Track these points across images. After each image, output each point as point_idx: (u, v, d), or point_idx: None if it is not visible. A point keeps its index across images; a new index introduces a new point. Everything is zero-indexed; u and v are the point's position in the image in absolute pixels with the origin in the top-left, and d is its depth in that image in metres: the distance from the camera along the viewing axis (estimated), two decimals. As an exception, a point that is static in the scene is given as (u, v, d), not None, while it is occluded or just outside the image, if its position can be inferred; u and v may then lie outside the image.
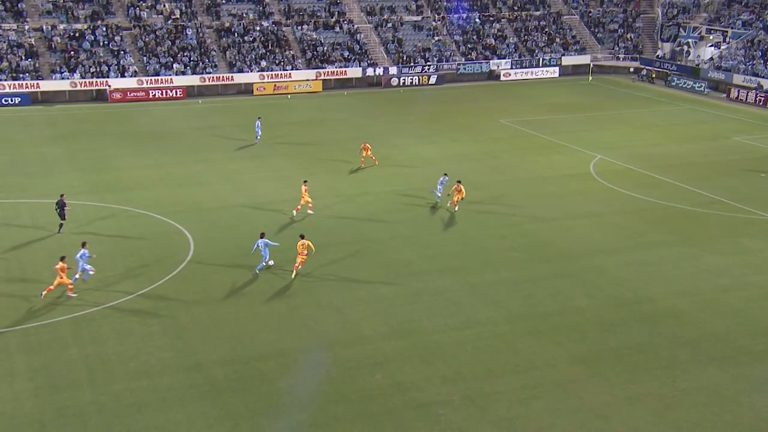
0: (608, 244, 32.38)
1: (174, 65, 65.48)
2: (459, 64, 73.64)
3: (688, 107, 61.64)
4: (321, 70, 69.11)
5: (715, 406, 21.01)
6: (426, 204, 37.18)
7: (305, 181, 35.91)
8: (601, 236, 33.37)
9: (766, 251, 31.43)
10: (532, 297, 27.44)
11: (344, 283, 28.43)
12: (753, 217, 35.36)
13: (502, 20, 79.94)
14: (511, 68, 74.62)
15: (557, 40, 78.63)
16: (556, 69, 75.73)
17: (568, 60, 76.80)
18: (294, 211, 35.30)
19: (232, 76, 66.67)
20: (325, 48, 71.32)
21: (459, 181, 36.17)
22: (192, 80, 65.28)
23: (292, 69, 68.62)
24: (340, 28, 74.01)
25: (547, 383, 22.07)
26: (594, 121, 56.51)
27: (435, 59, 73.66)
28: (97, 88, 62.70)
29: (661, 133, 52.71)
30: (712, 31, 74.74)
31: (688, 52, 75.31)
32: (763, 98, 61.09)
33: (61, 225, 32.85)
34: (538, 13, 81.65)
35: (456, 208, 35.94)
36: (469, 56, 75.07)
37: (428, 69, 72.30)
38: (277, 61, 68.77)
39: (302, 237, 29.19)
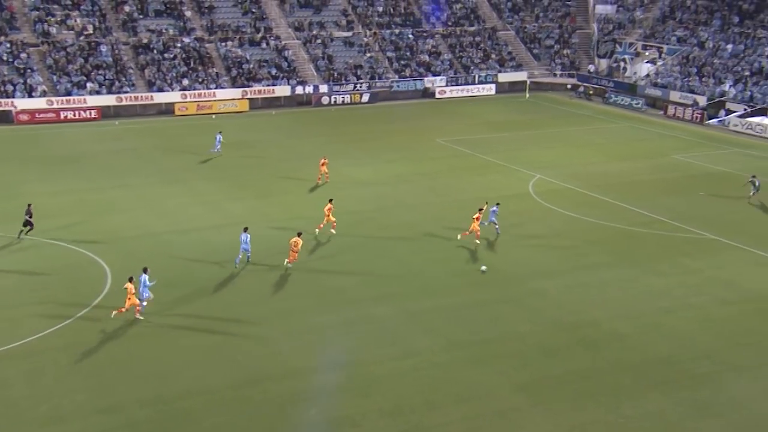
0: (549, 267, 32.98)
1: (87, 84, 64.30)
2: (392, 82, 74.39)
3: (627, 124, 63.54)
4: (247, 89, 68.88)
5: None
6: (358, 227, 37.23)
7: (331, 200, 36.85)
8: (541, 258, 33.97)
9: (707, 271, 32.50)
10: (472, 324, 27.70)
11: (275, 313, 28.21)
12: (692, 237, 36.55)
13: (436, 36, 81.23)
14: (447, 85, 75.77)
15: (493, 56, 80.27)
16: (493, 86, 77.21)
17: (505, 77, 78.41)
18: (316, 230, 36.00)
19: (151, 96, 65.83)
20: (252, 65, 71.15)
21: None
22: (108, 100, 64.19)
23: (216, 88, 68.20)
24: (267, 44, 74.00)
25: (488, 413, 22.26)
26: (532, 139, 57.71)
27: (367, 77, 74.26)
28: (1, 108, 61.07)
29: (600, 151, 54.15)
30: (648, 48, 77.45)
31: (625, 69, 77.80)
32: (699, 115, 63.42)
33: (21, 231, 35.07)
34: (472, 28, 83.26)
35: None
36: (403, 73, 75.95)
37: (360, 87, 72.81)
38: (200, 80, 68.26)
39: (299, 235, 32.04)
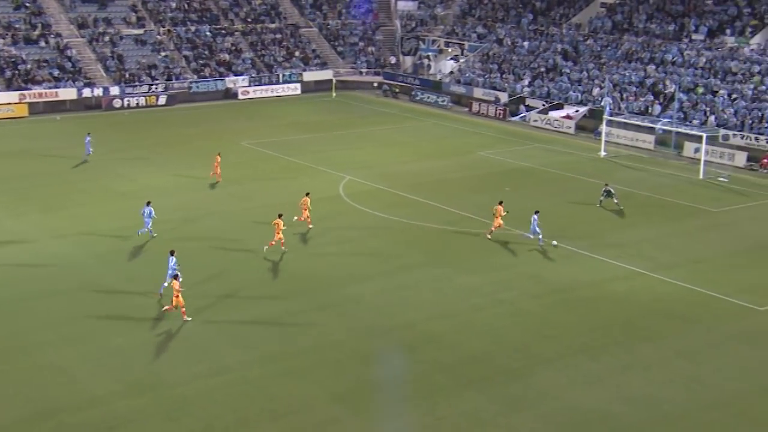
0: (363, 270, 33.60)
1: None
2: (191, 82, 72.82)
3: (434, 122, 65.97)
4: (25, 92, 64.92)
5: (474, 430, 22.50)
6: (161, 239, 36.18)
7: (307, 194, 38.08)
8: (355, 262, 34.54)
9: (515, 267, 34.39)
10: (286, 334, 27.67)
11: (67, 338, 26.79)
12: (500, 232, 38.53)
13: (236, 33, 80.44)
14: (250, 85, 75.18)
15: (297, 54, 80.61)
16: (298, 85, 77.53)
17: (310, 75, 78.97)
18: (309, 226, 37.66)
19: None
20: (29, 66, 67.15)
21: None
22: None
23: (-11, 90, 63.74)
24: (46, 42, 70.11)
25: (306, 427, 22.33)
26: (341, 139, 58.55)
27: (163, 77, 72.22)
28: None
29: (409, 149, 55.87)
30: (450, 45, 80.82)
31: (429, 66, 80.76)
32: (502, 111, 67.00)
33: None
34: (273, 25, 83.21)
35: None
36: (202, 73, 74.54)
37: (156, 88, 70.67)
38: (-31, 82, 63.54)
39: (280, 216, 34.28)
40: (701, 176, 48.65)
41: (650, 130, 55.87)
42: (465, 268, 34.03)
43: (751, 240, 37.71)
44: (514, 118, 65.57)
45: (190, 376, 24.69)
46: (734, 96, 56.99)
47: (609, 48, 69.00)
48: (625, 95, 61.55)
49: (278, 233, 34.22)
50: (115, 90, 68.90)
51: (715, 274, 33.49)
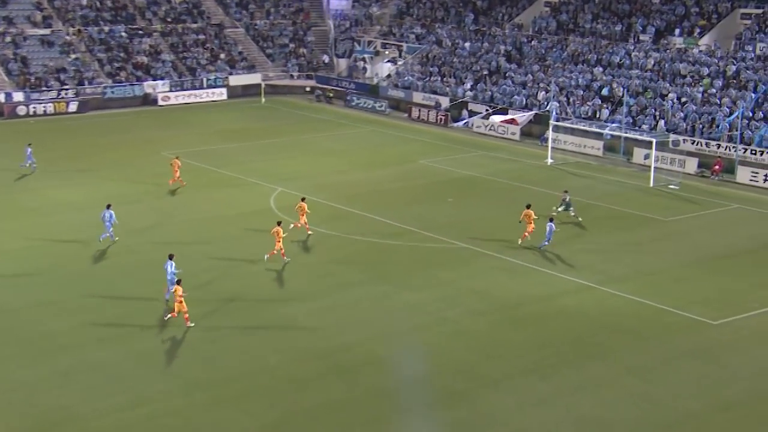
0: (297, 289, 33.49)
1: None
2: (106, 87, 71.82)
3: (371, 129, 66.25)
4: None
5: (421, 457, 22.59)
6: (73, 259, 35.51)
7: (303, 199, 39.31)
8: (290, 280, 34.41)
9: (459, 281, 34.66)
10: (213, 360, 27.40)
11: (-30, 372, 26.12)
12: (444, 246, 38.84)
13: (154, 34, 79.61)
14: (171, 91, 74.50)
15: (222, 56, 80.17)
16: (224, 90, 77.12)
17: (237, 80, 78.61)
18: (308, 233, 38.96)
19: None
20: (-76, 69, 65.47)
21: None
22: None
23: None
24: (-57, 43, 68.52)
25: (237, 461, 22.12)
26: (271, 148, 58.37)
27: (74, 82, 71.07)
28: None
29: (345, 159, 55.99)
30: (387, 46, 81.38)
31: (365, 69, 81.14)
32: (443, 117, 67.62)
33: None
34: (196, 25, 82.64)
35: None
36: (118, 77, 73.56)
37: (66, 94, 69.50)
38: None
39: (279, 224, 35.40)
40: (651, 184, 49.80)
41: (598, 136, 57.05)
42: (406, 284, 34.18)
43: (703, 250, 38.72)
44: (456, 124, 66.28)
45: (106, 409, 24.25)
46: (684, 99, 58.54)
47: (554, 50, 70.31)
48: (571, 99, 62.75)
49: (278, 242, 35.06)
50: (18, 96, 67.56)
51: (667, 287, 34.27)
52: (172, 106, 73.26)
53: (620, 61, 65.20)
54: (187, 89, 75.53)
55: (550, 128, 56.86)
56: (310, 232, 39.16)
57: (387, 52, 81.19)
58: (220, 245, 38.07)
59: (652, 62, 63.51)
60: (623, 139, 55.91)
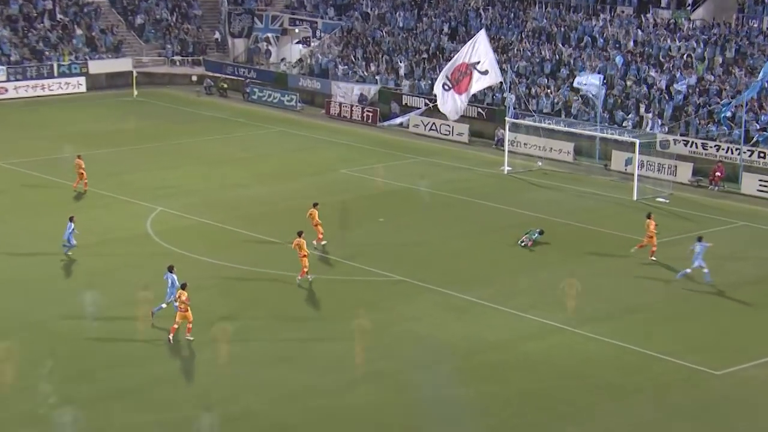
0: (180, 340, 33.19)
1: None
2: None
3: (278, 130, 66.14)
4: None
5: None
6: None
7: (315, 204, 41.65)
8: (168, 328, 33.99)
9: (396, 325, 34.64)
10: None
11: None
12: (375, 280, 38.97)
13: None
14: (8, 80, 73.44)
15: (78, 33, 79.16)
16: (82, 80, 76.33)
17: (99, 66, 77.91)
18: (323, 242, 41.67)
19: None
20: None
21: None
22: None
23: None
24: None
25: None
26: (149, 156, 57.94)
27: None
28: None
29: (245, 168, 55.81)
30: (298, 22, 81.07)
31: (269, 52, 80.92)
32: (371, 114, 67.77)
33: None
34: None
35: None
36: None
37: None
38: None
39: (300, 234, 37.96)
40: (635, 197, 50.46)
41: (568, 136, 57.59)
42: (328, 330, 34.20)
43: (700, 280, 39.17)
44: (387, 123, 66.20)
45: None
46: (674, 87, 58.78)
47: (510, 26, 71.05)
48: (533, 90, 63.25)
49: (304, 256, 37.61)
50: None
51: (656, 328, 34.76)
52: (11, 101, 72.36)
53: (593, 37, 65.95)
54: (30, 78, 74.48)
55: (507, 127, 57.26)
56: (324, 242, 41.99)
57: (297, 31, 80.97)
58: (77, 282, 37.55)
59: (633, 40, 64.49)
60: (599, 140, 56.53)
